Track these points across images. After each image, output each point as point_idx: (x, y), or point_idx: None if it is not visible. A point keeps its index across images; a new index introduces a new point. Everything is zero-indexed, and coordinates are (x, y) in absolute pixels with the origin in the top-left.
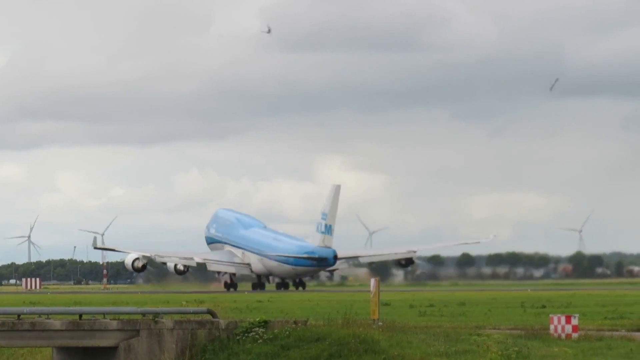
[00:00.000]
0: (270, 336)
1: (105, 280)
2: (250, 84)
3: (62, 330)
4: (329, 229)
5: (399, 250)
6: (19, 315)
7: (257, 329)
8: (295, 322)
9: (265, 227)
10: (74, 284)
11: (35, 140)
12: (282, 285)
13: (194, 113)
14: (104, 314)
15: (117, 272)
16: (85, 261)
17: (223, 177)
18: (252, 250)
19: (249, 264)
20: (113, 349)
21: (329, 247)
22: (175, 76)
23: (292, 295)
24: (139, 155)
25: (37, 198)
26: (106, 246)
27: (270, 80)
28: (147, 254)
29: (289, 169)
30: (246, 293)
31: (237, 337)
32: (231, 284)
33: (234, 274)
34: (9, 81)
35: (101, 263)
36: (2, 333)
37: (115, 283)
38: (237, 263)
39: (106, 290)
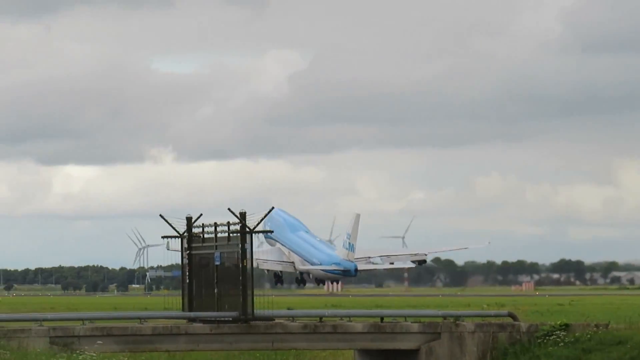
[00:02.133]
0: (572, 339)
1: (406, 283)
2: (544, 86)
3: (363, 332)
4: (351, 247)
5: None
6: (320, 318)
7: (558, 332)
8: (596, 326)
9: (308, 232)
10: (375, 286)
11: (335, 144)
12: (301, 281)
13: (488, 115)
14: (405, 316)
15: (417, 276)
16: None
17: (522, 181)
18: (296, 252)
19: (293, 263)
20: (414, 352)
21: (352, 261)
22: (471, 78)
23: (594, 298)
24: (439, 157)
25: (336, 201)
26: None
27: (564, 82)
28: None
29: (588, 172)
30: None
31: (538, 340)
32: (278, 280)
33: (280, 272)
34: (309, 85)
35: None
36: (305, 335)
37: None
38: (284, 262)
39: (408, 294)
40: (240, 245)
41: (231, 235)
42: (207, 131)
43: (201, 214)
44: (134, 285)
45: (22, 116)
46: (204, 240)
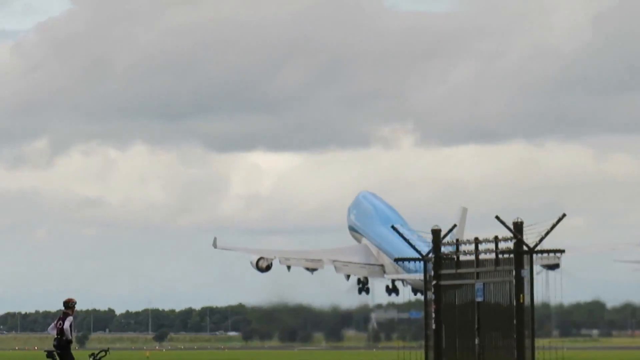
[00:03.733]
0: None
1: None
2: None
3: None
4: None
5: None
6: None
7: None
8: None
9: (404, 225)
10: None
11: None
12: (392, 291)
13: None
14: None
15: None
16: None
17: None
18: (387, 252)
19: (382, 266)
20: None
21: None
22: None
23: None
24: None
25: None
26: (226, 246)
27: None
28: (270, 256)
29: None
30: None
31: None
32: (362, 288)
33: (365, 278)
34: (619, 32)
35: None
36: None
37: None
38: (370, 264)
39: None
40: (514, 273)
41: (500, 257)
42: (466, 101)
43: (454, 225)
44: (350, 333)
45: (181, 82)
46: (458, 264)
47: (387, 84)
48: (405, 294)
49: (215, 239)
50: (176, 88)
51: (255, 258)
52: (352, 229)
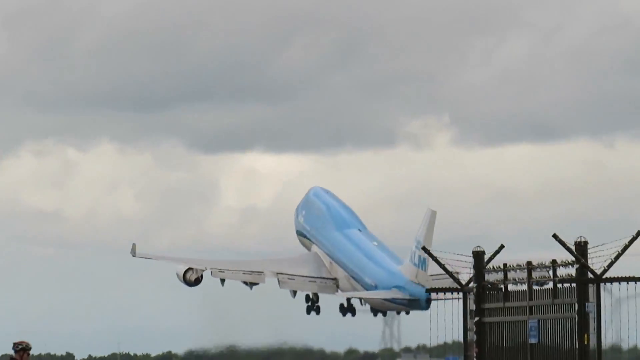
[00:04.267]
0: None
1: None
2: None
3: None
4: (423, 262)
5: None
6: None
7: None
8: None
9: (363, 229)
10: None
11: None
12: (348, 310)
13: None
14: None
15: None
16: None
17: None
18: (341, 264)
19: (335, 280)
20: None
21: (421, 285)
22: None
23: None
24: None
25: None
26: (146, 254)
27: None
28: (200, 267)
29: None
30: None
31: None
32: (311, 306)
33: (315, 295)
34: None
35: None
36: None
37: None
38: (321, 278)
39: None
40: (577, 307)
41: (559, 287)
42: (516, 88)
43: (502, 246)
44: None
45: (159, 64)
46: (506, 296)
47: (418, 67)
48: (365, 316)
49: (134, 246)
50: (152, 72)
51: (182, 269)
52: (300, 234)
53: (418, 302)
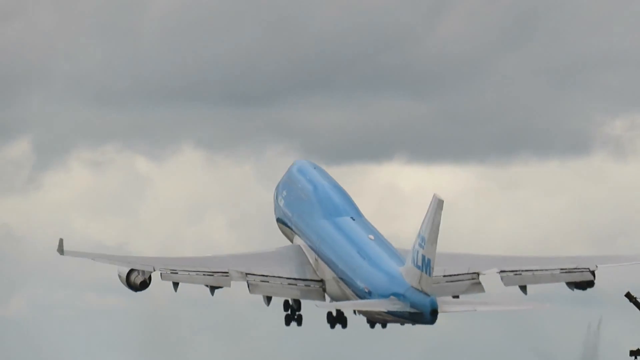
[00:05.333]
0: None
1: None
2: None
3: None
4: (428, 265)
5: None
6: None
7: None
8: None
9: (358, 217)
10: None
11: None
12: (336, 321)
13: None
14: None
15: None
16: None
17: None
18: (329, 263)
19: (322, 282)
20: None
21: (426, 294)
22: None
23: None
24: None
25: None
26: (77, 252)
27: None
28: (147, 268)
29: None
30: None
31: None
32: (292, 315)
33: (296, 301)
34: None
35: None
36: None
37: None
38: (304, 280)
39: None
40: None
41: None
42: None
43: None
44: None
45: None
46: None
47: (620, 48)
48: (359, 329)
49: (60, 241)
50: (252, 58)
51: (124, 271)
52: (280, 221)
53: (421, 316)
